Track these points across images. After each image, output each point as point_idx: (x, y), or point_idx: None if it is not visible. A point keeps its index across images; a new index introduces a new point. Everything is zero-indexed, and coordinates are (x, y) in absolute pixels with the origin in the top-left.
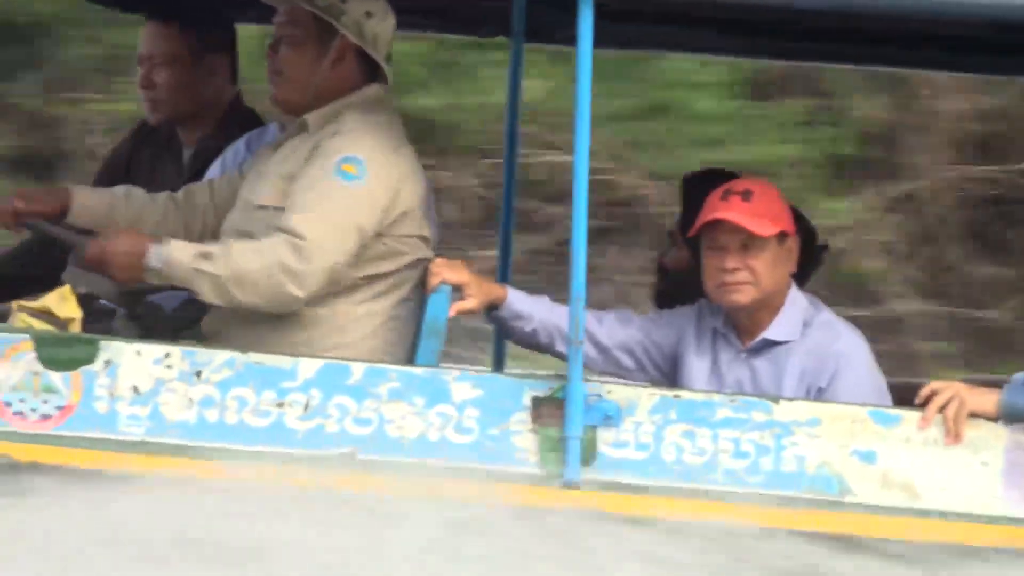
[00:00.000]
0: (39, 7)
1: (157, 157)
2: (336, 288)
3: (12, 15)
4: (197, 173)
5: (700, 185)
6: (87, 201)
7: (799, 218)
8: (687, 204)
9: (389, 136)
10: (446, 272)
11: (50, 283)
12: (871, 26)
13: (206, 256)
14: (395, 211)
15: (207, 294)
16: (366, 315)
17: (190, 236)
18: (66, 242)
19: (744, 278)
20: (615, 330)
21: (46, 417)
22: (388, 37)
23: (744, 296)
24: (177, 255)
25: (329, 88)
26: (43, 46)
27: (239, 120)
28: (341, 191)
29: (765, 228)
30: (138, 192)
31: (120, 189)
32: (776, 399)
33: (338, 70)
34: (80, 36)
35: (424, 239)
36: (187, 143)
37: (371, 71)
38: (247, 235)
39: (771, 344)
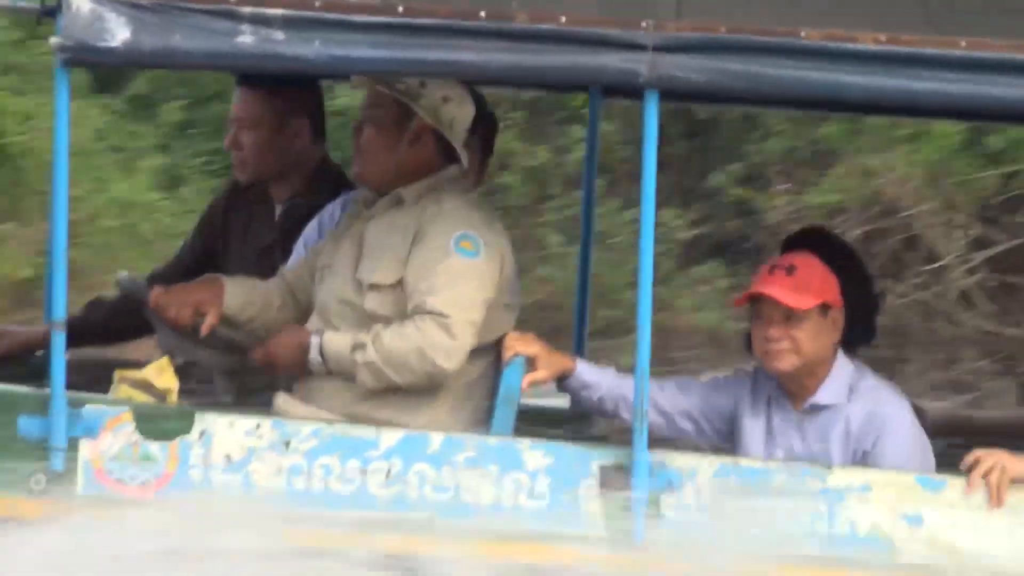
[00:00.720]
0: None
1: (250, 214)
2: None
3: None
4: (288, 230)
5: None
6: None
7: (856, 268)
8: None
9: (486, 211)
10: (519, 345)
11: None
12: None
13: (360, 346)
14: (501, 282)
15: (365, 380)
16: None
17: (303, 316)
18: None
19: (786, 347)
20: (676, 398)
21: (145, 484)
22: (466, 122)
23: (786, 363)
24: (334, 348)
25: (408, 167)
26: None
27: (327, 179)
28: (466, 267)
29: (805, 302)
30: (263, 285)
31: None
32: (829, 467)
33: (416, 150)
34: (776, 129)
35: (511, 308)
36: (277, 201)
37: (449, 152)
38: (361, 310)
39: (819, 408)
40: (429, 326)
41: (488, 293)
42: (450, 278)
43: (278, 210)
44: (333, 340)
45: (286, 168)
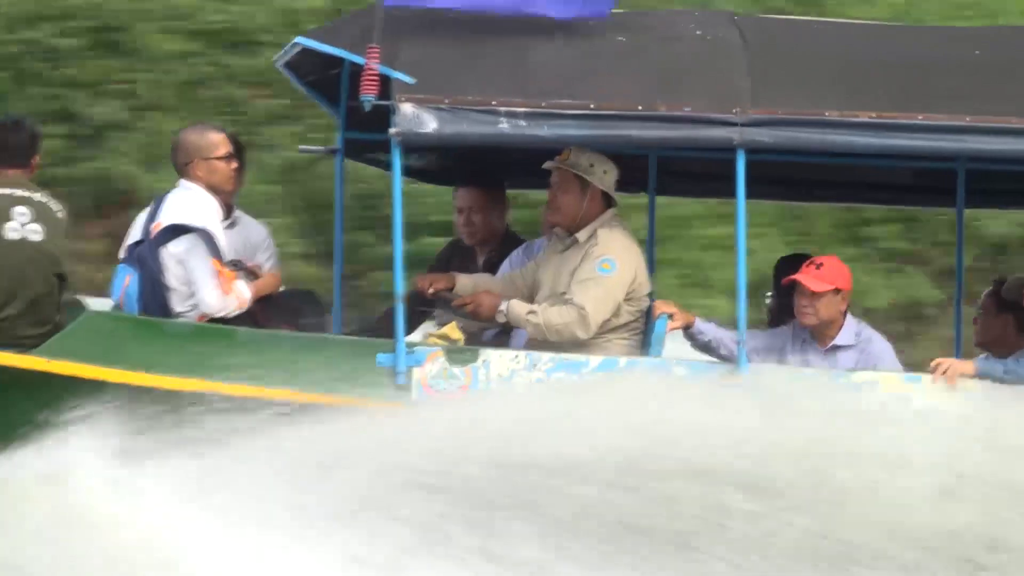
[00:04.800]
0: None
1: (463, 261)
2: (603, 329)
3: None
4: (488, 271)
5: (786, 265)
6: (463, 281)
7: None
8: (776, 275)
9: (625, 239)
10: (664, 307)
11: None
12: None
13: (532, 312)
14: (633, 285)
15: (531, 333)
16: (620, 339)
17: (520, 297)
18: (449, 302)
19: (810, 312)
20: (752, 341)
21: (452, 392)
22: (614, 180)
23: (809, 321)
24: (516, 310)
25: (585, 215)
26: None
27: (509, 241)
28: (602, 280)
29: (821, 287)
30: (489, 276)
31: (480, 276)
32: (853, 371)
33: (590, 204)
34: None
35: (649, 295)
36: (480, 255)
37: (608, 200)
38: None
39: (838, 347)
40: (572, 311)
41: (616, 295)
42: (591, 285)
43: (480, 260)
44: (516, 305)
45: (491, 235)
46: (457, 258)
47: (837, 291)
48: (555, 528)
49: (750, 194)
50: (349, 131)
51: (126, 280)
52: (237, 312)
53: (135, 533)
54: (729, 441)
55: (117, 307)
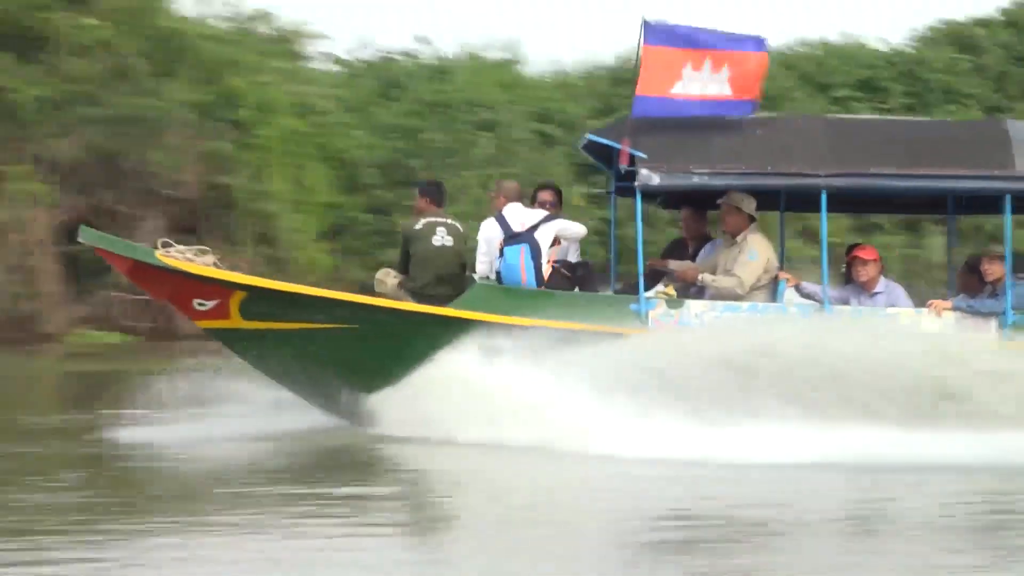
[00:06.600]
0: None
1: (680, 252)
2: (751, 289)
3: None
4: (694, 259)
5: (850, 248)
6: (676, 264)
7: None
8: (846, 255)
9: (763, 240)
10: (783, 275)
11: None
12: None
13: (715, 280)
14: (767, 266)
15: (712, 291)
16: (761, 294)
17: (709, 271)
18: (673, 272)
19: (864, 272)
20: (832, 292)
21: (669, 324)
22: (754, 207)
23: (863, 277)
24: (707, 278)
25: (739, 227)
26: None
27: (705, 240)
28: (749, 263)
29: (870, 256)
30: (691, 262)
31: (685, 262)
32: (885, 308)
33: (742, 221)
34: None
35: (778, 268)
36: (690, 247)
37: (752, 218)
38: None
39: (876, 293)
40: (735, 280)
41: (758, 271)
42: (744, 265)
43: (690, 250)
44: (706, 275)
45: (696, 236)
46: (677, 250)
47: (876, 261)
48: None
49: (830, 210)
50: (619, 182)
51: (521, 253)
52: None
53: (509, 397)
54: (822, 343)
55: (492, 279)
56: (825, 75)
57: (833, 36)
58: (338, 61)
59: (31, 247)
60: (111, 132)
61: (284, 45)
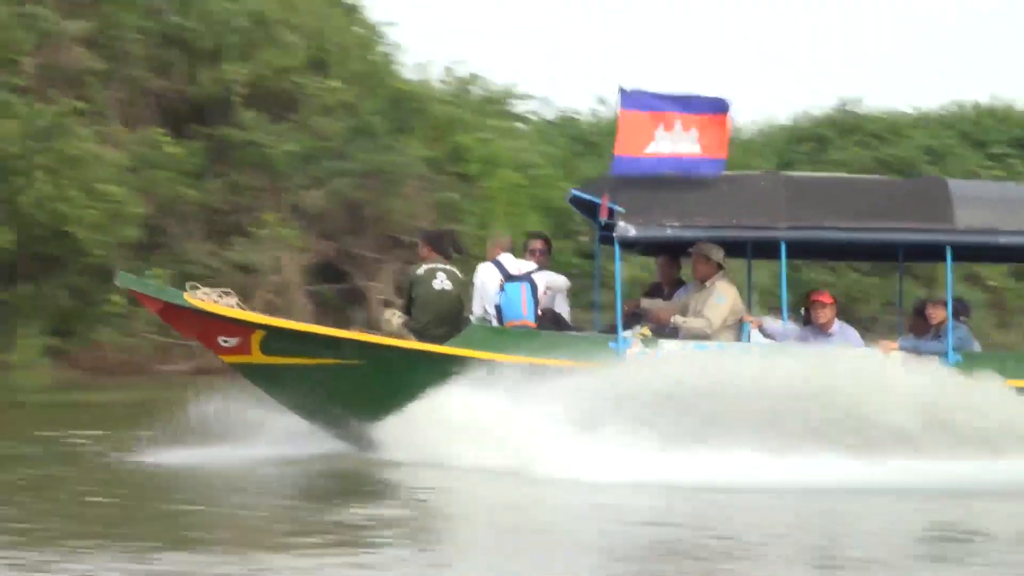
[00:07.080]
0: None
1: (656, 294)
2: (719, 329)
3: None
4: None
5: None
6: (650, 304)
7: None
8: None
9: (730, 286)
10: (747, 318)
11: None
12: None
13: (686, 321)
14: (734, 309)
15: (684, 331)
16: (727, 334)
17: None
18: (650, 314)
19: (823, 314)
20: (792, 332)
21: (642, 359)
22: (722, 256)
23: (822, 319)
24: (678, 320)
25: (708, 274)
26: None
27: (678, 284)
28: (719, 306)
29: (827, 301)
30: (665, 302)
31: (660, 301)
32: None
33: (711, 268)
34: None
35: (743, 311)
36: (665, 290)
37: (720, 265)
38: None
39: (831, 334)
40: (704, 321)
41: (725, 313)
42: (712, 307)
43: (665, 293)
44: (678, 317)
45: (670, 280)
46: (653, 292)
47: (832, 304)
48: (701, 423)
49: (789, 257)
50: (602, 232)
51: (523, 289)
52: None
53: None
54: (783, 373)
55: (486, 318)
56: (982, 133)
57: (983, 98)
58: (537, 120)
59: (285, 286)
60: (355, 184)
61: (498, 105)
